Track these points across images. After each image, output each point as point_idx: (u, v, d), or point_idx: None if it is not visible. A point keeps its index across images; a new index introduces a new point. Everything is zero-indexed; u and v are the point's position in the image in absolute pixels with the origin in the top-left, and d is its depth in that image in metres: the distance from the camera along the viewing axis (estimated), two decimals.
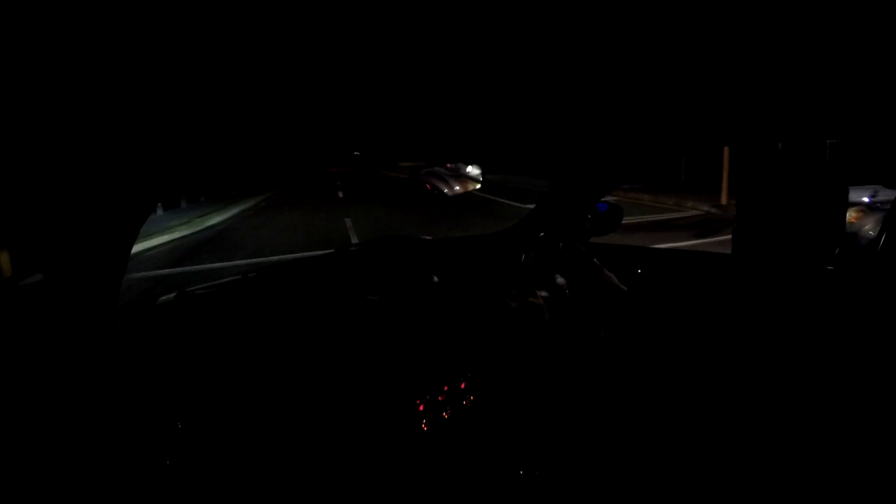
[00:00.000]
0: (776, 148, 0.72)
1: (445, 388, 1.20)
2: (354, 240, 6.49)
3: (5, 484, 0.59)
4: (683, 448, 0.73)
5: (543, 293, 1.36)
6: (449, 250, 1.60)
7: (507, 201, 10.16)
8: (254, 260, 5.74)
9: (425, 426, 1.14)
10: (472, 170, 1.33)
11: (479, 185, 1.36)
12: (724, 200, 8.38)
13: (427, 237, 1.68)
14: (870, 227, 4.03)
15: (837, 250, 0.71)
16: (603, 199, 1.59)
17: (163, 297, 1.10)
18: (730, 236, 0.79)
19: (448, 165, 1.29)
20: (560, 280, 1.32)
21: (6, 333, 0.63)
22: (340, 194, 12.59)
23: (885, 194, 4.71)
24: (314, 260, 1.46)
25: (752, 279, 0.75)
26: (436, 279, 1.42)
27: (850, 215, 4.10)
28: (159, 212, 9.33)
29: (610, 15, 0.37)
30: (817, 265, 0.71)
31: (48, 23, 0.35)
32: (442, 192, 1.30)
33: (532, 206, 1.74)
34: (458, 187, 1.33)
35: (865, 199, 4.66)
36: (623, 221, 1.57)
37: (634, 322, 1.19)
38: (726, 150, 8.25)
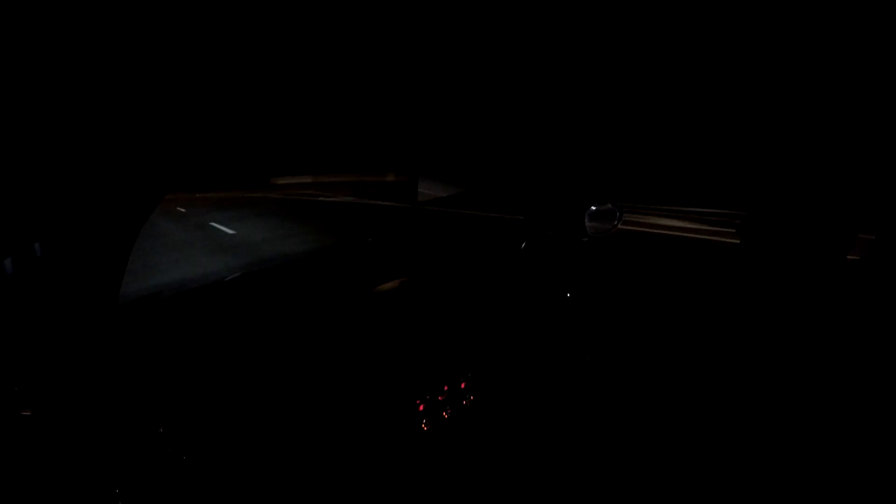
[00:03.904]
0: (788, 144, 0.72)
1: (445, 388, 1.20)
2: None
3: (5, 483, 0.59)
4: (688, 448, 0.73)
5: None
6: (448, 250, 1.59)
7: None
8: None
9: (425, 426, 1.13)
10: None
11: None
12: None
13: (426, 237, 1.68)
14: None
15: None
16: (602, 200, 1.59)
17: (164, 295, 1.10)
18: None
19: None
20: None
21: (6, 332, 0.63)
22: None
23: None
24: (315, 259, 1.46)
25: (764, 269, 0.74)
26: (435, 280, 1.42)
27: None
28: None
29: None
30: (833, 256, 0.70)
31: (51, 23, 0.35)
32: None
33: None
34: None
35: None
36: None
37: (640, 317, 1.19)
38: None
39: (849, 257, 0.76)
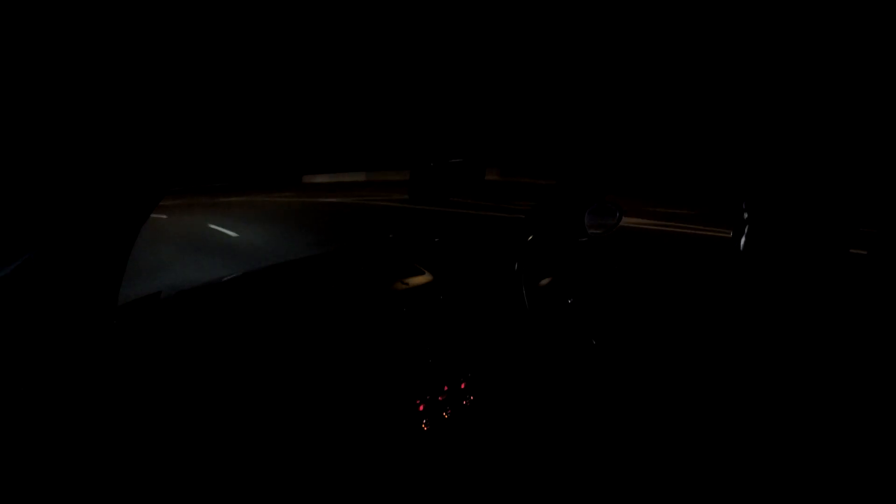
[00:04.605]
0: (787, 142, 0.72)
1: (445, 388, 1.19)
2: None
3: (5, 484, 0.59)
4: (686, 447, 0.73)
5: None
6: (447, 250, 1.59)
7: None
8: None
9: (425, 426, 1.13)
10: None
11: None
12: None
13: (425, 237, 1.67)
14: None
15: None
16: (602, 199, 1.58)
17: (163, 295, 1.10)
18: None
19: None
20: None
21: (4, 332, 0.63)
22: None
23: None
24: (315, 259, 1.46)
25: (768, 267, 0.74)
26: (434, 279, 1.41)
27: None
28: None
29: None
30: (834, 251, 0.70)
31: (50, 23, 0.34)
32: None
33: None
34: None
35: None
36: None
37: (638, 316, 1.18)
38: None
39: (854, 252, 0.76)
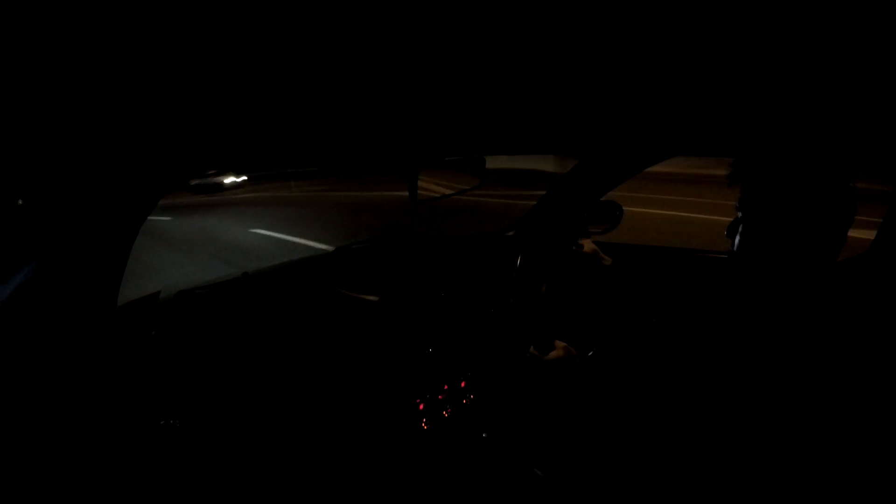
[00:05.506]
0: (779, 148, 0.72)
1: (445, 387, 1.20)
2: None
3: (5, 484, 0.59)
4: (686, 447, 0.73)
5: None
6: (449, 249, 1.59)
7: None
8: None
9: (425, 425, 1.14)
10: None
11: None
12: None
13: (428, 236, 1.67)
14: None
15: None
16: (603, 198, 1.58)
17: (163, 296, 1.10)
18: None
19: None
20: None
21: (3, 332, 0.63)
22: None
23: None
24: (315, 259, 1.46)
25: (759, 278, 0.74)
26: (436, 279, 1.41)
27: None
28: None
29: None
30: (823, 261, 0.70)
31: (49, 22, 0.34)
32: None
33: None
34: None
35: None
36: None
37: (637, 320, 1.18)
38: None
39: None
